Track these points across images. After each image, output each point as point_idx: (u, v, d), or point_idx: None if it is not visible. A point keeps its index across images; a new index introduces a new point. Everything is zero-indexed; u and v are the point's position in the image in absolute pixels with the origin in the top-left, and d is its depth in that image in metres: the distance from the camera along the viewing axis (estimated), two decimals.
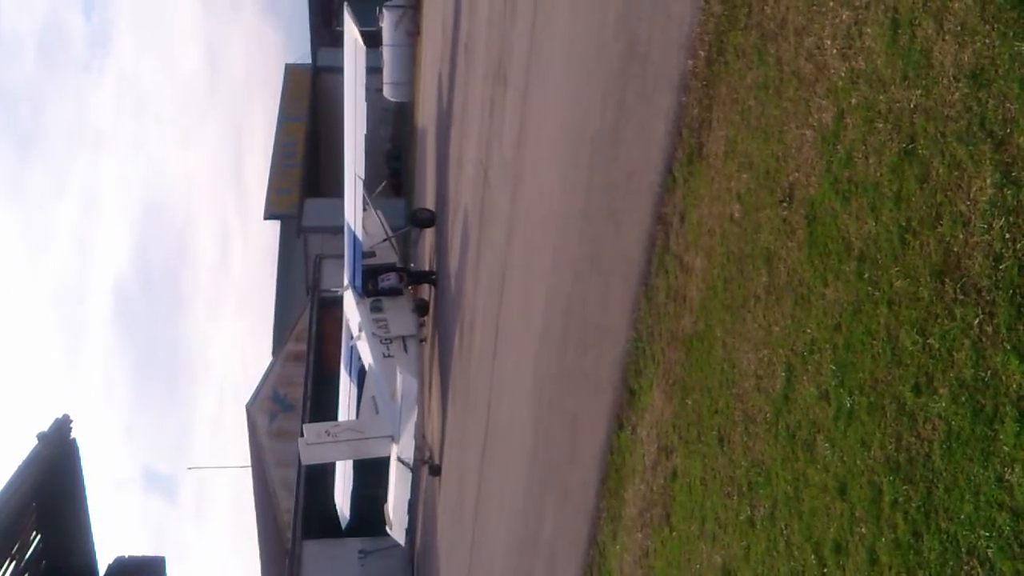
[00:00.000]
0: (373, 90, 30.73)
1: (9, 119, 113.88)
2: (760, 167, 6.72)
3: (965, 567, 4.32)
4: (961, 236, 4.57)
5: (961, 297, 4.53)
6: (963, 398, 4.44)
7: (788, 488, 6.05)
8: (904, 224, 5.01)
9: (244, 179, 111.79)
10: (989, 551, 4.20)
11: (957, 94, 4.68)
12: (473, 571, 18.30)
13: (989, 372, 4.30)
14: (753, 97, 6.86)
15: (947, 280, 4.63)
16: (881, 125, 5.28)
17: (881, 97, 5.30)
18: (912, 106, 5.02)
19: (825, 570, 5.52)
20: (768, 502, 6.31)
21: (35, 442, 15.10)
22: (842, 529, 5.40)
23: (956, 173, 4.65)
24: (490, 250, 16.50)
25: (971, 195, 4.53)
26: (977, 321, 4.40)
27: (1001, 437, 4.18)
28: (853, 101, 5.58)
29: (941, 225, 4.72)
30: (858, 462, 5.27)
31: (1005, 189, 4.32)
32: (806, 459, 5.86)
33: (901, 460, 4.87)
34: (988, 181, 4.42)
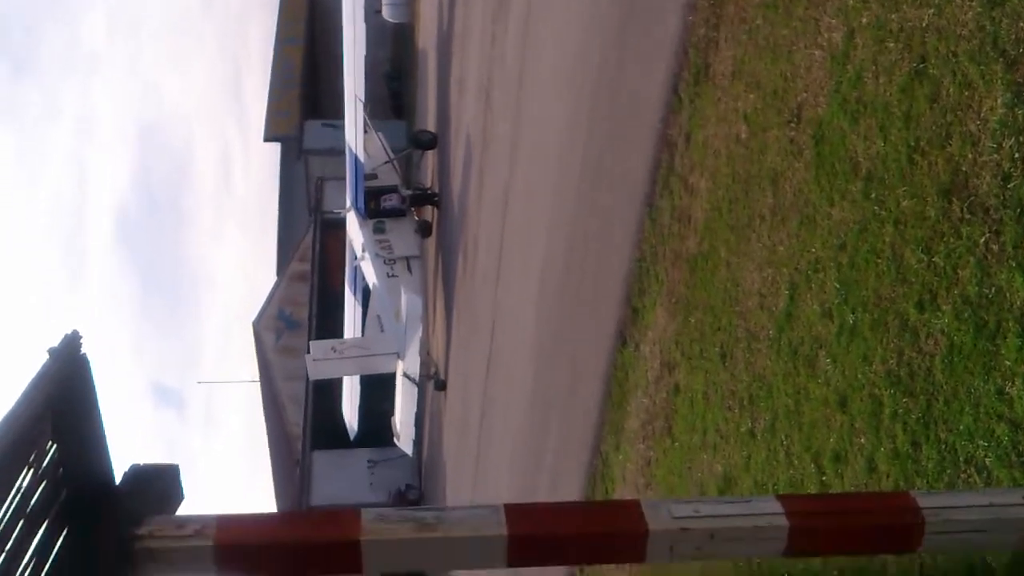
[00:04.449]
0: (372, 11, 30.21)
1: (2, 41, 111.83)
2: (768, 87, 6.73)
3: (963, 475, 4.48)
4: (970, 156, 4.63)
5: (968, 216, 4.60)
6: (966, 314, 4.55)
7: (789, 401, 6.22)
8: (913, 144, 5.06)
9: (243, 99, 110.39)
10: (987, 460, 4.35)
11: (970, 13, 4.69)
12: (479, 480, 18.71)
13: (993, 289, 4.40)
14: (761, 16, 6.83)
15: (954, 199, 4.70)
16: (892, 44, 5.29)
17: (892, 16, 5.30)
18: (924, 25, 5.02)
19: (824, 478, 5.70)
20: (769, 415, 6.48)
21: (46, 357, 15.30)
22: (842, 440, 5.56)
23: (967, 93, 4.68)
24: (493, 171, 16.48)
25: (981, 115, 4.57)
26: (983, 239, 4.48)
27: (1003, 352, 4.30)
28: (864, 20, 5.58)
29: (950, 145, 4.77)
30: (859, 376, 5.40)
31: (1016, 109, 4.36)
32: (807, 374, 6.01)
33: (902, 374, 5.01)
34: (999, 101, 4.46)
